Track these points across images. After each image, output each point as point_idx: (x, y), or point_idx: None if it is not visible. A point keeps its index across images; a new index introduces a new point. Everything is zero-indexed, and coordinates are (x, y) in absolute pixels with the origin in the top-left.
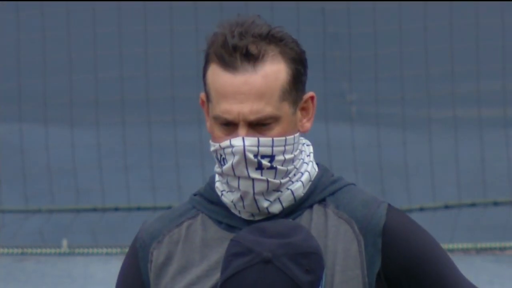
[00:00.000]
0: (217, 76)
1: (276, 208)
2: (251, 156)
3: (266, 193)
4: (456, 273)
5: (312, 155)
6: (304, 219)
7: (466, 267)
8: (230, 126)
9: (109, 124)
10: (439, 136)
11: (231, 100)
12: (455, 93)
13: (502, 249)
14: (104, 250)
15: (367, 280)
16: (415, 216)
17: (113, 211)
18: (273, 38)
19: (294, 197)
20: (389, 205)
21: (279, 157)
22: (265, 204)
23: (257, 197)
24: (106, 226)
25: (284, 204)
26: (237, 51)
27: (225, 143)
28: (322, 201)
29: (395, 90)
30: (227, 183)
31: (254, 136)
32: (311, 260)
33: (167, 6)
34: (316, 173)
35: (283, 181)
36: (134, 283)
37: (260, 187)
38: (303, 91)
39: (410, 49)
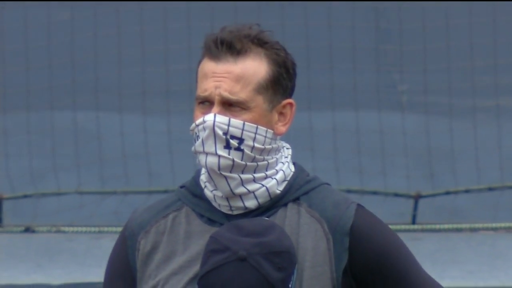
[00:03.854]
0: (203, 64)
1: (252, 204)
2: (220, 132)
3: (243, 176)
4: (418, 271)
5: (290, 157)
6: (278, 216)
7: (509, 244)
8: (206, 104)
9: (179, 112)
10: (483, 124)
11: (210, 79)
12: (498, 84)
13: None
14: None
15: (334, 276)
16: (461, 197)
17: None
18: (259, 41)
19: (269, 194)
20: (358, 205)
21: (248, 142)
22: (239, 189)
23: (224, 173)
24: None
25: (260, 200)
26: (223, 45)
27: (199, 120)
28: (296, 199)
29: (443, 81)
30: (199, 162)
31: (226, 116)
32: (283, 259)
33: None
34: (292, 173)
35: (249, 164)
36: (122, 269)
37: (225, 163)
38: (283, 95)
39: (456, 43)
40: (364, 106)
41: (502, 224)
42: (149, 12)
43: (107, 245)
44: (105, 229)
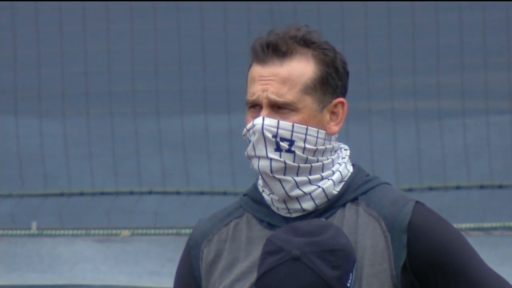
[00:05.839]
0: (252, 69)
1: (309, 205)
2: (269, 135)
3: (297, 179)
4: (479, 264)
5: (347, 157)
6: (337, 217)
7: None
8: (256, 108)
9: (75, 115)
10: (378, 127)
11: (257, 83)
12: (393, 87)
13: None
14: (70, 232)
15: (394, 273)
16: None
17: (79, 196)
18: (306, 41)
19: (326, 195)
20: (416, 202)
21: (299, 143)
22: (295, 191)
23: (277, 176)
24: (72, 210)
25: (317, 201)
26: (269, 48)
27: (249, 124)
28: (354, 199)
29: None
30: (252, 167)
31: (275, 118)
32: (337, 257)
33: (128, 6)
34: (349, 173)
35: (302, 165)
36: (188, 278)
37: (277, 166)
38: (333, 94)
39: (352, 46)
40: None
41: None
42: (44, 14)
43: (3, 248)
44: (1, 232)
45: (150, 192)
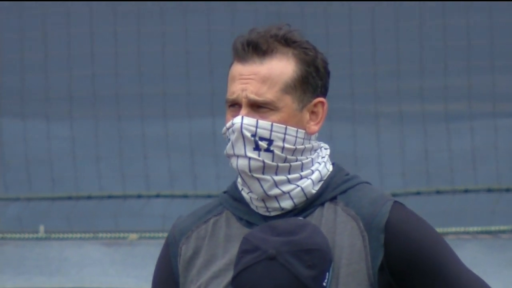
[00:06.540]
0: (232, 67)
1: (287, 204)
2: (248, 134)
3: (276, 178)
4: (457, 264)
5: (327, 157)
6: (315, 216)
7: None
8: (236, 107)
9: (82, 118)
10: (386, 130)
11: (237, 81)
12: (400, 90)
13: (445, 234)
14: (78, 235)
15: (371, 272)
16: None
17: (86, 199)
18: (287, 40)
19: (305, 194)
20: (395, 202)
21: (278, 143)
22: (273, 191)
23: (256, 175)
24: (80, 213)
25: (296, 201)
26: (249, 46)
27: (229, 123)
28: (333, 199)
29: (346, 86)
30: (231, 165)
31: (254, 118)
32: (313, 256)
33: (136, 8)
34: (329, 173)
35: (280, 164)
36: (166, 275)
37: (255, 165)
38: (313, 94)
39: (359, 48)
40: None
41: None
42: (51, 16)
43: (10, 251)
44: (8, 235)
45: (157, 195)
